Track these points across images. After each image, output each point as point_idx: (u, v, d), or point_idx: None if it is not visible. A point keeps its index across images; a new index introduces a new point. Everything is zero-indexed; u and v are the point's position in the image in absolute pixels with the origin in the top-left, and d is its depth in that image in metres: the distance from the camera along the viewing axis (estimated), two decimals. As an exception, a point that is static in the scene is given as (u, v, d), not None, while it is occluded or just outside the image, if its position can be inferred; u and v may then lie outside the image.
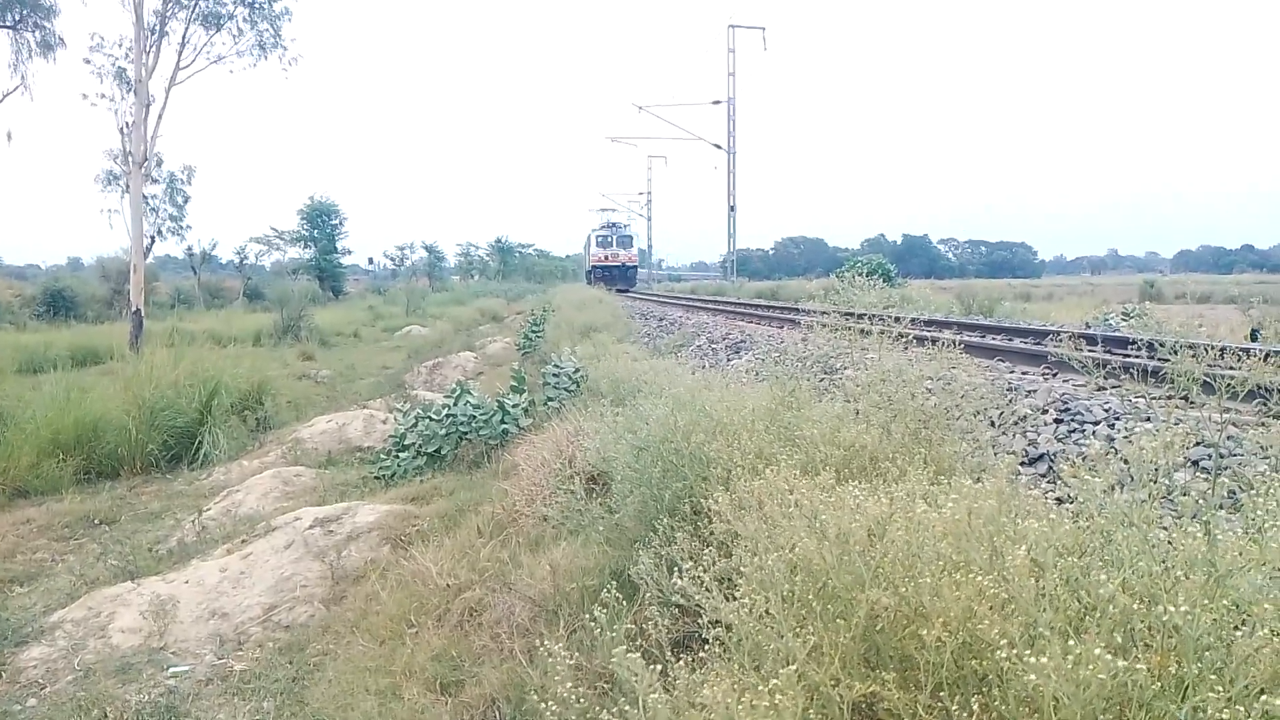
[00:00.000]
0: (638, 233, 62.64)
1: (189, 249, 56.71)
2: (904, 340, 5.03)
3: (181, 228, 49.05)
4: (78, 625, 6.29)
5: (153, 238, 32.58)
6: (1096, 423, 5.04)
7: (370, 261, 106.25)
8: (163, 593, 6.62)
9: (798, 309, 13.93)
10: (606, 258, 53.76)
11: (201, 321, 33.54)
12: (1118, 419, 4.98)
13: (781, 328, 12.28)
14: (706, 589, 2.46)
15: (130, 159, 25.62)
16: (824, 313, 5.34)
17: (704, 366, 10.95)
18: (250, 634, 6.20)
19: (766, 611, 2.32)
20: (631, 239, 57.01)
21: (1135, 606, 1.87)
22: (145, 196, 29.69)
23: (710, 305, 22.40)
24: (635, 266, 56.75)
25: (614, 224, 58.19)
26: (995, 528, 2.29)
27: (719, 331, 14.36)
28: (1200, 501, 2.32)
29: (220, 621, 6.35)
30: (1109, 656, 1.70)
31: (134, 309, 24.74)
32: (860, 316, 5.27)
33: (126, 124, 25.53)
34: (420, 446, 9.54)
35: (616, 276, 51.66)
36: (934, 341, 5.32)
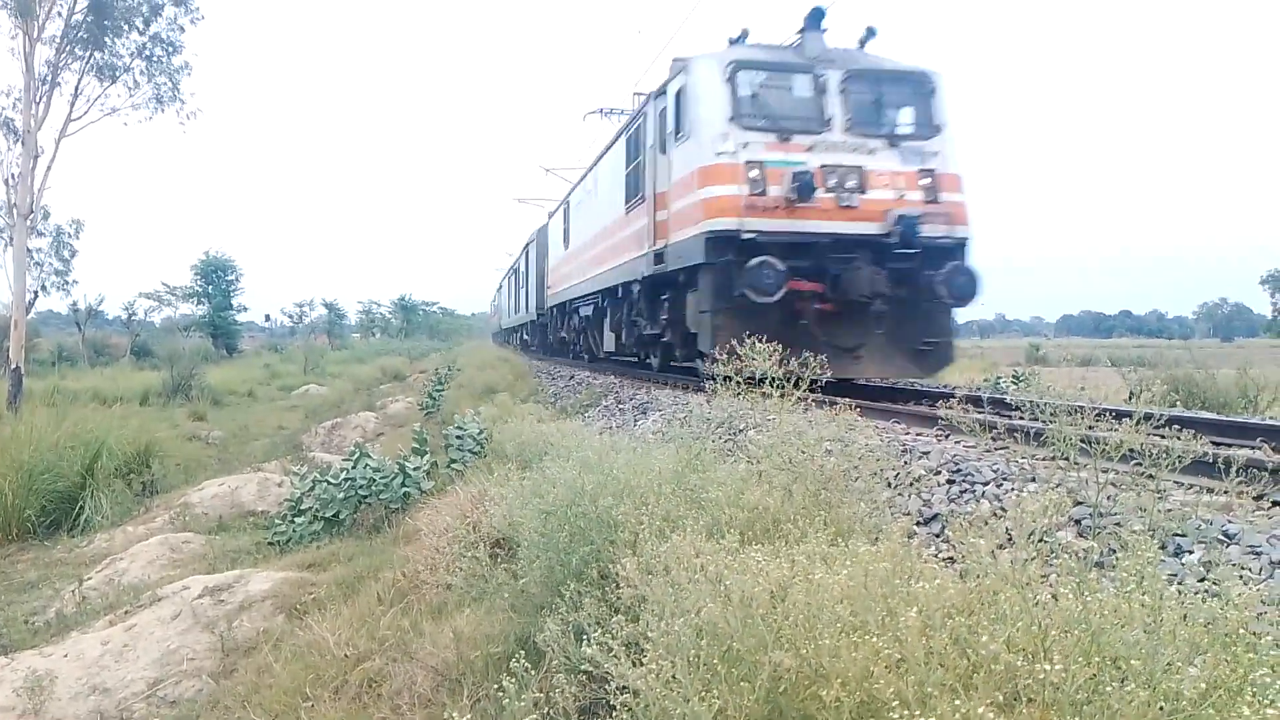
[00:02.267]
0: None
1: (74, 304, 54.60)
2: (803, 403, 5.17)
3: (67, 282, 47.22)
4: (-59, 706, 5.90)
5: (36, 293, 31.11)
6: (986, 483, 5.23)
7: (267, 318, 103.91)
8: (39, 667, 6.26)
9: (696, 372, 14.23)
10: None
11: (86, 379, 32.14)
12: (1005, 479, 5.18)
13: (687, 389, 12.41)
14: (614, 656, 2.47)
15: (15, 211, 24.61)
16: (726, 376, 5.44)
17: (612, 428, 10.98)
18: (134, 710, 5.90)
19: (673, 676, 2.35)
20: None
21: (1019, 664, 1.96)
22: (30, 250, 28.43)
23: (616, 365, 22.20)
24: None
25: None
26: (889, 589, 2.37)
27: (626, 392, 14.44)
28: (1078, 560, 2.44)
29: (102, 698, 6.03)
30: (991, 715, 1.77)
31: (13, 366, 23.58)
32: (761, 380, 5.39)
33: (12, 175, 24.54)
34: (317, 511, 9.28)
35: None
36: (832, 404, 5.48)
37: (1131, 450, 3.60)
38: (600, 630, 2.60)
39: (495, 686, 3.38)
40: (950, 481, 5.45)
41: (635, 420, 11.34)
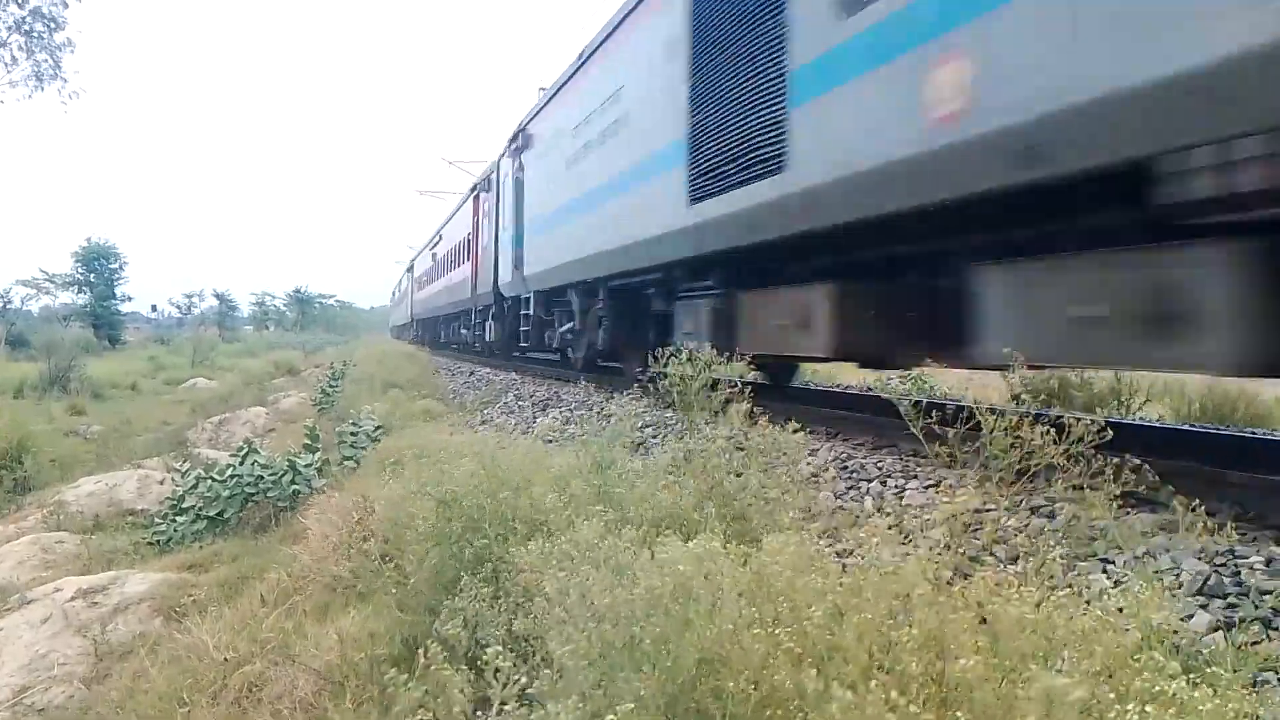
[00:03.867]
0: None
1: (-57, 292, 51.64)
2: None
3: (-65, 268, 44.52)
4: None
5: (-102, 277, 29.43)
6: (871, 480, 5.37)
7: (154, 309, 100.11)
8: (-111, 677, 5.89)
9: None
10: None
11: (-47, 371, 30.42)
12: (889, 477, 5.33)
13: (577, 382, 12.40)
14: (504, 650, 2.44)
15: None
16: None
17: (512, 424, 10.89)
18: (-4, 720, 5.61)
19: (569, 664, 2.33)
20: None
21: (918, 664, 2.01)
22: (-109, 232, 26.81)
23: (517, 361, 21.36)
24: None
25: None
26: (788, 583, 2.40)
27: (526, 389, 14.35)
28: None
29: (-41, 707, 5.72)
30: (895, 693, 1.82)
31: None
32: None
33: (-128, 151, 23.14)
34: (201, 509, 8.96)
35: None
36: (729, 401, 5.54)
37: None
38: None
39: (377, 689, 3.32)
40: (836, 477, 5.57)
41: (535, 417, 11.28)
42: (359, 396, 16.37)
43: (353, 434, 10.25)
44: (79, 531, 10.15)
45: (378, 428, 10.35)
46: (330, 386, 18.55)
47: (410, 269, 48.28)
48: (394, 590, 4.29)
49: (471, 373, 20.54)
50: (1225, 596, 3.09)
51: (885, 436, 6.27)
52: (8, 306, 63.37)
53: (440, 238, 33.20)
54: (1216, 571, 3.24)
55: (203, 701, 4.65)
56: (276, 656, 4.54)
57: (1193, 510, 3.19)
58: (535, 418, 11.18)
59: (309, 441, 9.74)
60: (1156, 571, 3.25)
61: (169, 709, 4.78)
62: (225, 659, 4.85)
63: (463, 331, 27.90)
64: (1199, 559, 3.35)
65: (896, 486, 5.12)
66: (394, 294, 65.53)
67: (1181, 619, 2.82)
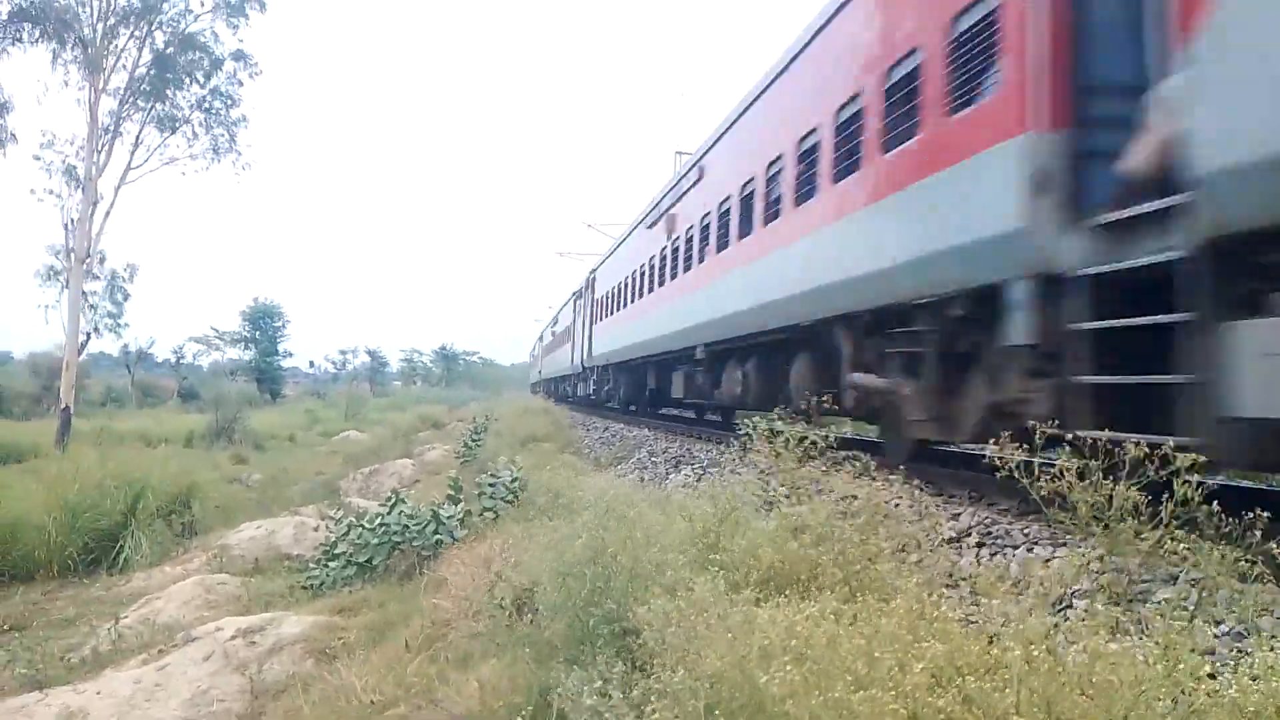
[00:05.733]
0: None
1: (125, 347, 55.87)
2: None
3: (119, 325, 48.06)
4: (-23, 740, 5.99)
5: (89, 334, 32.01)
6: (1016, 547, 5.19)
7: (311, 365, 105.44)
8: (72, 704, 6.35)
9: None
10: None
11: (132, 421, 32.83)
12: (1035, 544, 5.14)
13: (720, 443, 12.41)
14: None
15: (72, 255, 25.45)
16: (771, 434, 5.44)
17: (643, 480, 10.99)
18: (162, 751, 5.95)
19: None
20: None
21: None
22: (84, 293, 29.34)
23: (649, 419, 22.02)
24: None
25: None
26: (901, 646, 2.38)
27: (659, 445, 14.45)
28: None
29: (131, 737, 6.10)
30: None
31: (63, 406, 24.18)
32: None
33: (72, 220, 25.46)
34: (351, 556, 9.34)
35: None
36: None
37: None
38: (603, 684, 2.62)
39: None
40: (980, 544, 5.41)
41: (668, 473, 11.35)
42: (499, 450, 16.79)
43: (491, 485, 10.51)
44: (240, 574, 10.74)
45: (514, 479, 10.58)
46: (473, 440, 19.09)
47: (540, 338, 58.30)
48: (528, 647, 4.37)
49: (605, 428, 20.81)
50: None
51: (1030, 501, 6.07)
52: (180, 361, 67.92)
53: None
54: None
55: (350, 742, 4.84)
56: (420, 700, 4.69)
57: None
58: (669, 474, 11.24)
59: (452, 493, 10.05)
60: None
61: (319, 747, 4.99)
62: (372, 701, 5.04)
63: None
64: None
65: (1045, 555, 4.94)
66: (530, 356, 69.31)
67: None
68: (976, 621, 3.30)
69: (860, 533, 3.97)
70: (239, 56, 28.12)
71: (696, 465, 11.15)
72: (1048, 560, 4.78)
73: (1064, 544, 4.92)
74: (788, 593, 3.27)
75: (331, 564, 9.47)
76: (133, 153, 26.56)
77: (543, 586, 4.17)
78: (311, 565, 9.90)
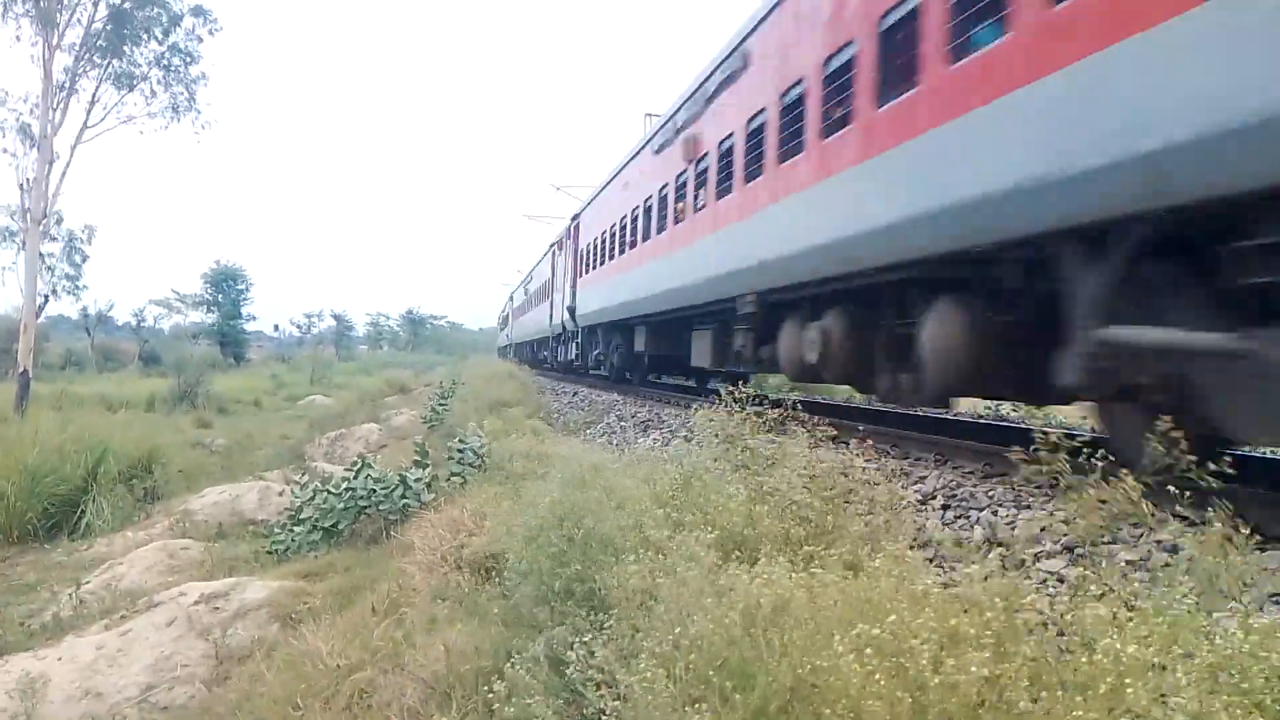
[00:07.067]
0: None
1: (84, 309, 54.89)
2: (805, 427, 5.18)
3: (78, 287, 47.19)
4: (-66, 706, 5.91)
5: (46, 297, 31.47)
6: (982, 509, 5.24)
7: (276, 328, 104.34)
8: (33, 670, 6.28)
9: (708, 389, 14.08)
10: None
11: (93, 385, 32.33)
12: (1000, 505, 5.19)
13: (689, 407, 12.41)
14: (598, 667, 2.47)
15: (29, 215, 24.83)
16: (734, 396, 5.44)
17: (613, 444, 10.98)
18: (126, 715, 5.91)
19: (667, 686, 2.34)
20: None
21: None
22: (42, 254, 28.70)
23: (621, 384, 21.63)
24: None
25: None
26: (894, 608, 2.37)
27: (628, 409, 14.45)
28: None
29: (94, 702, 6.05)
30: None
31: (21, 370, 23.73)
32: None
33: (27, 180, 24.80)
34: (317, 520, 9.28)
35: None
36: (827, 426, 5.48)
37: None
38: (588, 641, 2.60)
39: (483, 699, 3.38)
40: (945, 506, 5.45)
41: (637, 437, 11.34)
42: (467, 415, 16.70)
43: (460, 451, 10.46)
44: (203, 539, 10.64)
45: (483, 445, 10.53)
46: (440, 405, 18.99)
47: (511, 299, 55.21)
48: (496, 610, 4.37)
49: (575, 393, 20.77)
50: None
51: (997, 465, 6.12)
52: (141, 325, 66.92)
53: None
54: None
55: (316, 705, 4.81)
56: (387, 665, 4.67)
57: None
58: (636, 439, 11.24)
59: (419, 458, 9.99)
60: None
61: (284, 712, 4.96)
62: (338, 665, 5.02)
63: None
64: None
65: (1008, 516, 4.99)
66: (499, 319, 68.21)
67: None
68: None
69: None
70: (198, 12, 27.41)
71: (665, 429, 11.17)
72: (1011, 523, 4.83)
73: (1028, 506, 4.98)
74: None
75: (297, 529, 9.41)
76: (89, 111, 25.89)
77: (512, 551, 4.15)
78: (276, 530, 9.83)
